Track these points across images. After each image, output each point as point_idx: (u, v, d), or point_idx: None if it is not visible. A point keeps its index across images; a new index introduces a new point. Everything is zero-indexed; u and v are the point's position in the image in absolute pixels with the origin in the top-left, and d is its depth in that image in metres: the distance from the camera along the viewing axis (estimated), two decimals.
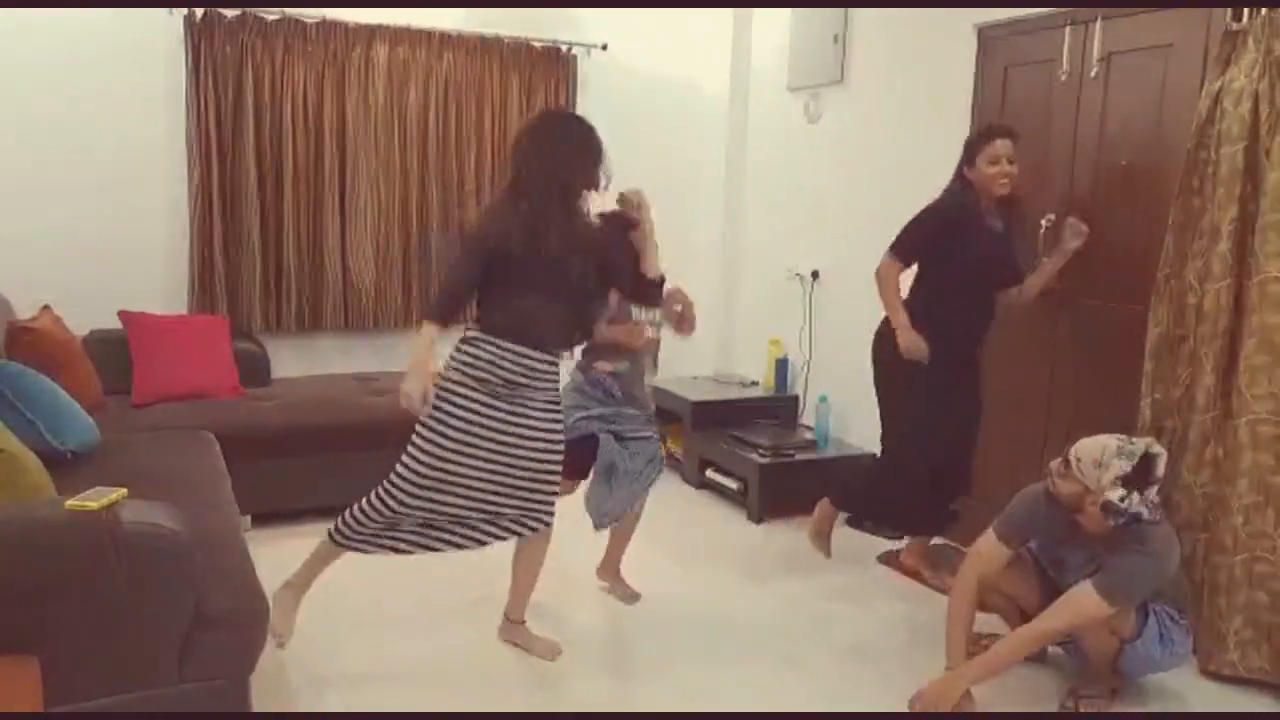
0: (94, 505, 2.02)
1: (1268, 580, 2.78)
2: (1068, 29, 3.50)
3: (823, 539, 3.62)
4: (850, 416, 4.55)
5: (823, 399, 4.55)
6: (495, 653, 2.96)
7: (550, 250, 2.64)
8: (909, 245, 3.33)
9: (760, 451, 4.29)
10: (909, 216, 3.42)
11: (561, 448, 2.81)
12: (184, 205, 4.40)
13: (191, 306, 4.44)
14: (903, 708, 2.67)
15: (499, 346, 2.68)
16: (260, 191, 4.48)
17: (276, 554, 3.10)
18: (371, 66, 4.61)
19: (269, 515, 3.81)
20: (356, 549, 2.77)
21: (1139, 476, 2.45)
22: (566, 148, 2.73)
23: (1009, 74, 3.80)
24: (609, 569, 3.46)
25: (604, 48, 5.07)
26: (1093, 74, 3.43)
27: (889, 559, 3.76)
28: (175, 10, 4.24)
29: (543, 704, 2.69)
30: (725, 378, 5.23)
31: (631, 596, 3.42)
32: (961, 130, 3.95)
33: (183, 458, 3.17)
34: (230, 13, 4.31)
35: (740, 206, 5.35)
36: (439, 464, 2.68)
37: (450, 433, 2.68)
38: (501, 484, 2.73)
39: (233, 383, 4.14)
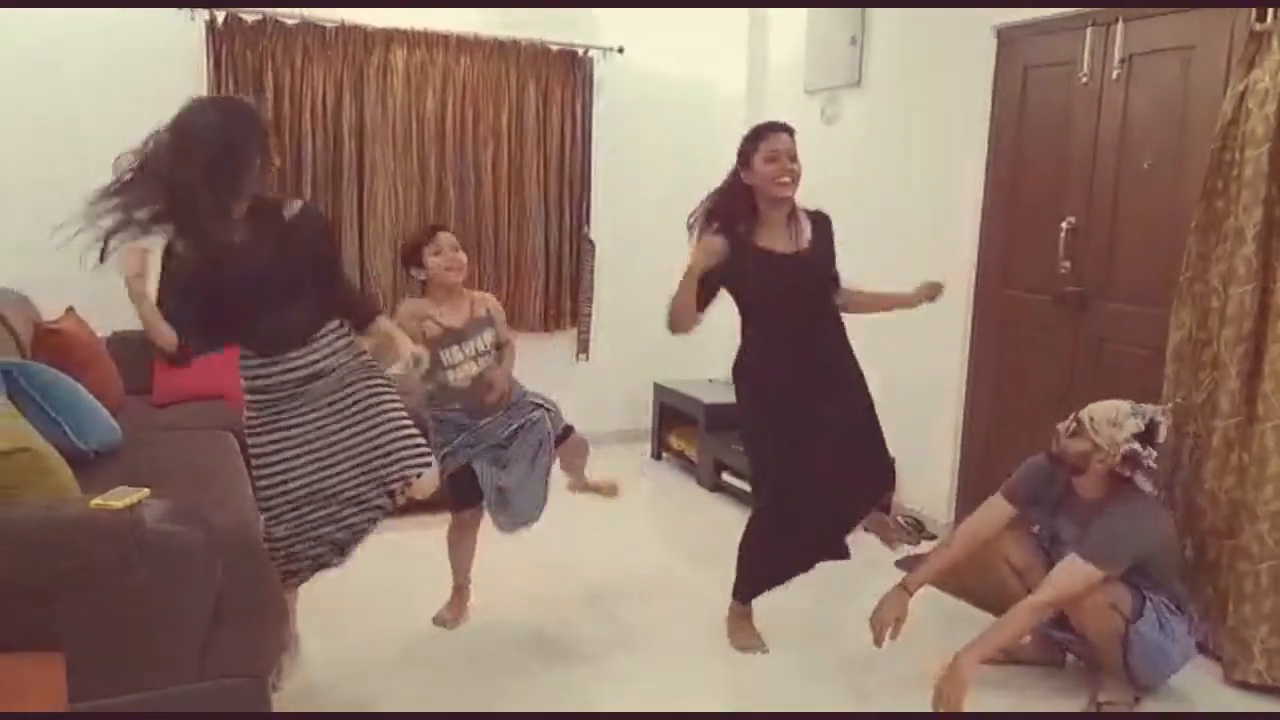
0: (117, 505, 2.03)
1: None
2: (1089, 30, 3.47)
3: (745, 636, 3.10)
4: None
5: None
6: (504, 649, 2.97)
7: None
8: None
9: None
10: (927, 219, 3.39)
11: (395, 399, 2.61)
12: None
13: None
14: (912, 708, 2.65)
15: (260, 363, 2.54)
16: (280, 194, 4.50)
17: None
18: (390, 70, 4.64)
19: None
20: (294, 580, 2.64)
21: (1147, 438, 2.57)
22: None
23: (1028, 75, 3.78)
24: (577, 484, 3.36)
25: (620, 50, 5.08)
26: (1114, 75, 3.41)
27: (906, 564, 3.74)
28: (196, 15, 4.27)
29: (548, 703, 2.69)
30: None
31: (610, 488, 3.39)
32: (980, 133, 3.94)
33: (203, 457, 3.19)
34: (250, 17, 4.34)
35: None
36: (290, 486, 2.54)
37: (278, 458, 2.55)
38: (361, 453, 2.55)
39: None
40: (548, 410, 3.08)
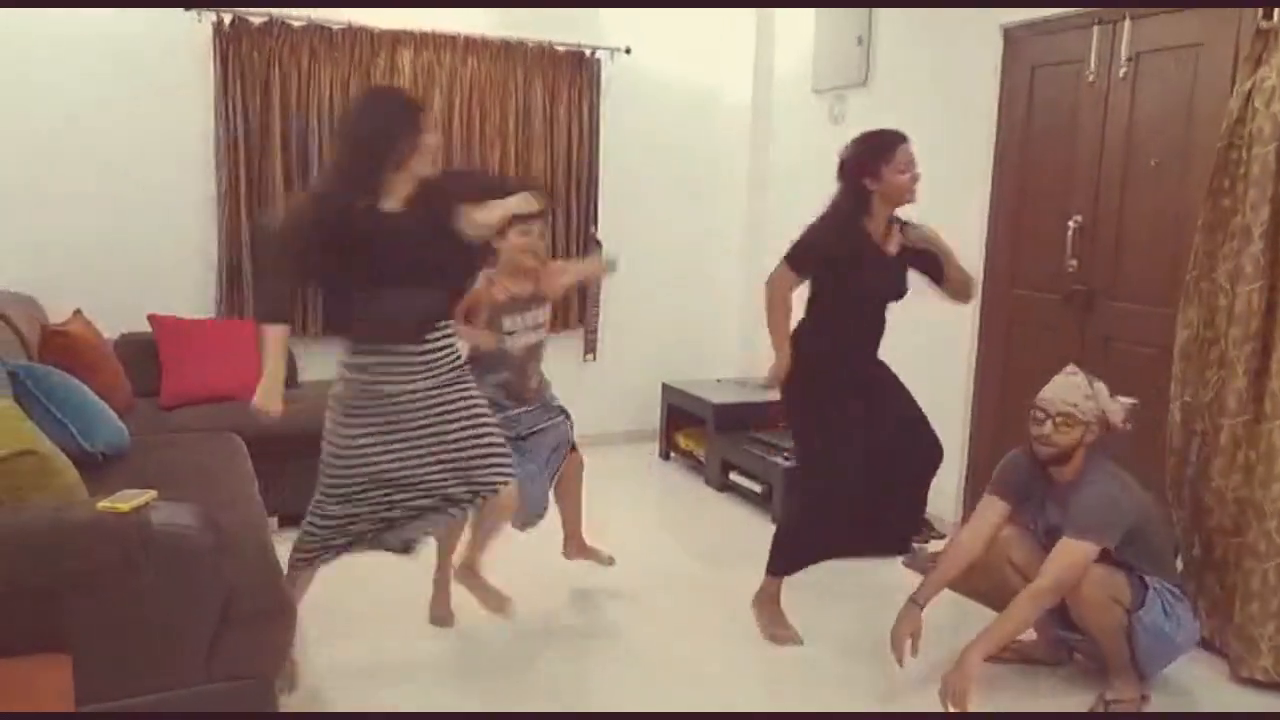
0: (124, 507, 2.04)
1: None
2: (1095, 29, 3.46)
3: (773, 620, 3.17)
4: None
5: None
6: (510, 649, 2.97)
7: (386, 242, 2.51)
8: (808, 258, 3.03)
9: (784, 455, 4.27)
10: (934, 218, 3.39)
11: (485, 411, 2.71)
12: (212, 210, 4.45)
13: (219, 310, 4.49)
14: (919, 706, 2.65)
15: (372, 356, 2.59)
16: (287, 196, 4.52)
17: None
18: (396, 71, 4.64)
19: (295, 517, 3.80)
20: (315, 560, 2.71)
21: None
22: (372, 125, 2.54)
23: (1035, 74, 3.77)
24: (573, 544, 3.46)
25: (627, 51, 5.08)
26: (1121, 74, 3.39)
27: (912, 563, 3.74)
28: (203, 16, 4.29)
29: (555, 702, 2.69)
30: (749, 381, 5.22)
31: (606, 559, 3.44)
32: (987, 132, 3.94)
33: (210, 460, 3.20)
34: (257, 19, 4.35)
35: (763, 208, 5.34)
36: (368, 469, 2.62)
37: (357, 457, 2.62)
38: (449, 452, 2.63)
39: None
40: (567, 417, 3.28)
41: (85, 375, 3.33)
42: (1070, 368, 2.76)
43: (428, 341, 2.61)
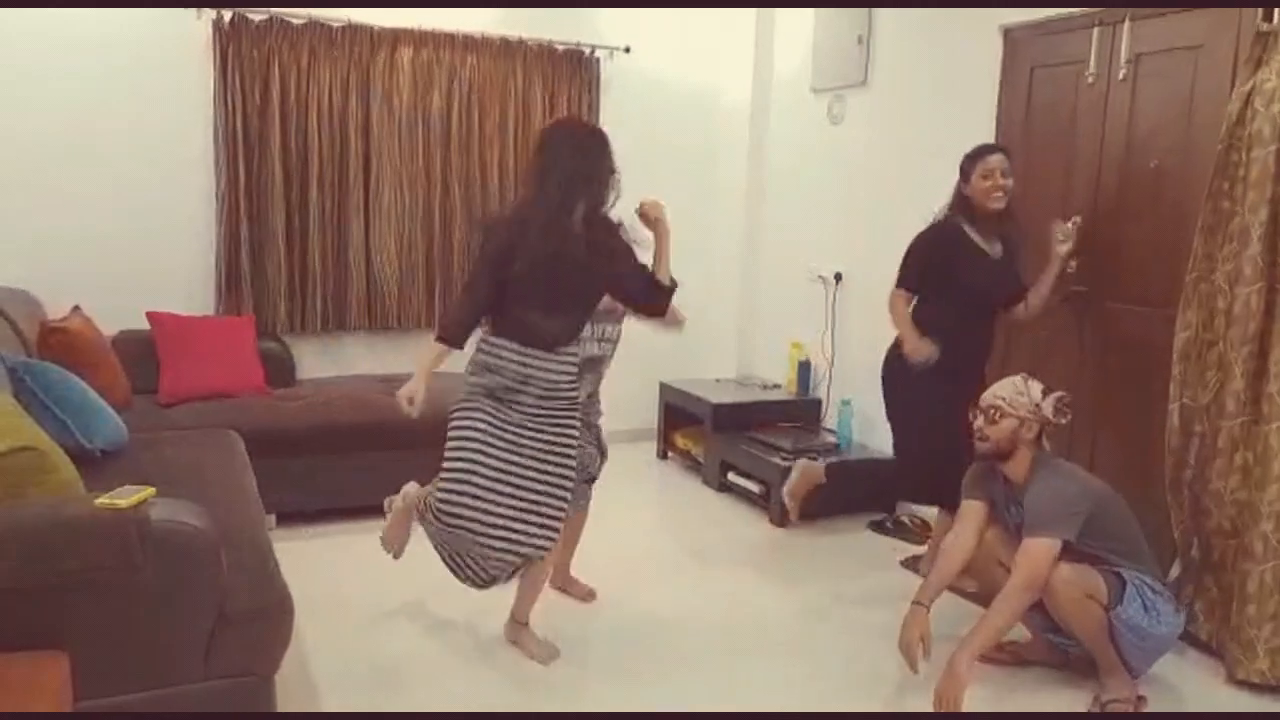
0: (123, 503, 2.04)
1: None
2: (1095, 30, 3.46)
3: (796, 500, 3.74)
4: (874, 420, 4.52)
5: (846, 403, 4.53)
6: (507, 650, 2.97)
7: (566, 263, 2.68)
8: (910, 274, 3.45)
9: (782, 455, 4.28)
10: (933, 218, 3.41)
11: (573, 464, 2.81)
12: (211, 208, 4.44)
13: (218, 307, 4.48)
14: (919, 708, 2.65)
15: (504, 349, 2.74)
16: (286, 194, 4.52)
17: (300, 553, 3.14)
18: (396, 69, 4.64)
19: (293, 514, 3.84)
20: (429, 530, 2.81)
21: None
22: (585, 162, 2.70)
23: (1035, 75, 3.77)
24: (559, 575, 3.39)
25: (627, 50, 5.08)
26: (1120, 75, 3.40)
27: (911, 563, 3.75)
28: (203, 14, 4.29)
29: (552, 703, 2.69)
30: (747, 380, 5.22)
31: (588, 595, 3.40)
32: (987, 132, 3.93)
33: (209, 457, 3.20)
34: (257, 17, 4.35)
35: (763, 208, 5.34)
36: (468, 466, 2.70)
37: (470, 434, 2.71)
38: (514, 494, 2.72)
39: (258, 383, 4.18)
40: (602, 454, 3.28)
41: (84, 372, 3.33)
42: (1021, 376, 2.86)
43: (553, 356, 2.76)
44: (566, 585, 3.41)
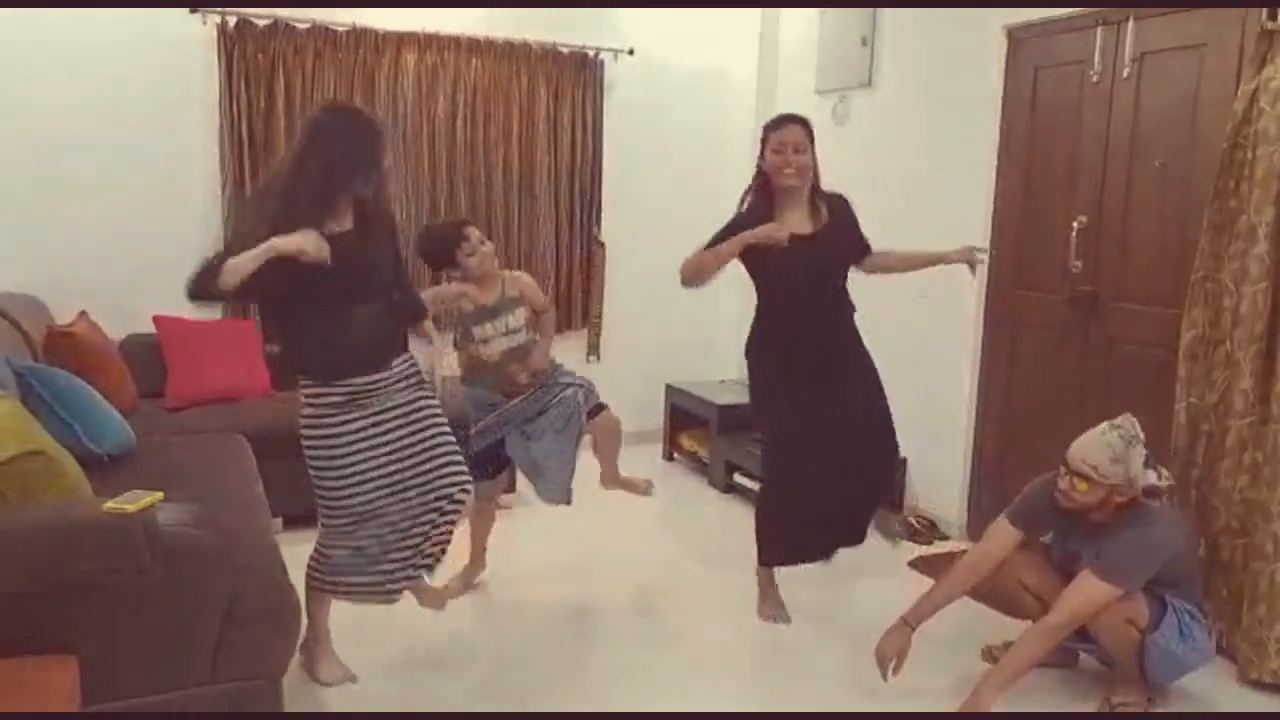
0: (131, 508, 2.05)
1: None
2: (1099, 29, 3.46)
3: (767, 605, 3.28)
4: None
5: None
6: (514, 650, 2.97)
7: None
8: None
9: None
10: (935, 218, 3.40)
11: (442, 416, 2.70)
12: (217, 212, 4.45)
13: (224, 311, 4.49)
14: (924, 709, 2.65)
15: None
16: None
17: (308, 556, 3.13)
18: (401, 72, 4.65)
19: (300, 517, 3.82)
20: (338, 596, 2.71)
21: (1155, 464, 2.55)
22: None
23: (1039, 75, 3.76)
24: (609, 477, 3.47)
25: (631, 52, 5.08)
26: (1125, 74, 3.39)
27: (919, 564, 3.73)
28: (208, 18, 4.30)
29: (557, 702, 2.69)
30: None
31: (647, 486, 3.50)
32: (991, 133, 3.93)
33: (216, 460, 3.21)
34: (262, 21, 4.36)
35: None
36: (353, 493, 2.61)
37: (345, 463, 2.60)
38: (411, 474, 2.63)
39: (264, 386, 4.18)
40: (580, 386, 3.25)
41: (91, 376, 3.34)
42: (1122, 419, 2.58)
43: (394, 363, 2.64)
44: (621, 485, 3.48)
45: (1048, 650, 2.61)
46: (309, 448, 2.60)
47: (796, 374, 3.07)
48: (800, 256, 2.97)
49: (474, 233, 3.16)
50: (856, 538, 3.29)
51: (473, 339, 3.15)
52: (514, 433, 3.19)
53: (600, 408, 3.32)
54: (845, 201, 3.16)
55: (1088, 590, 2.51)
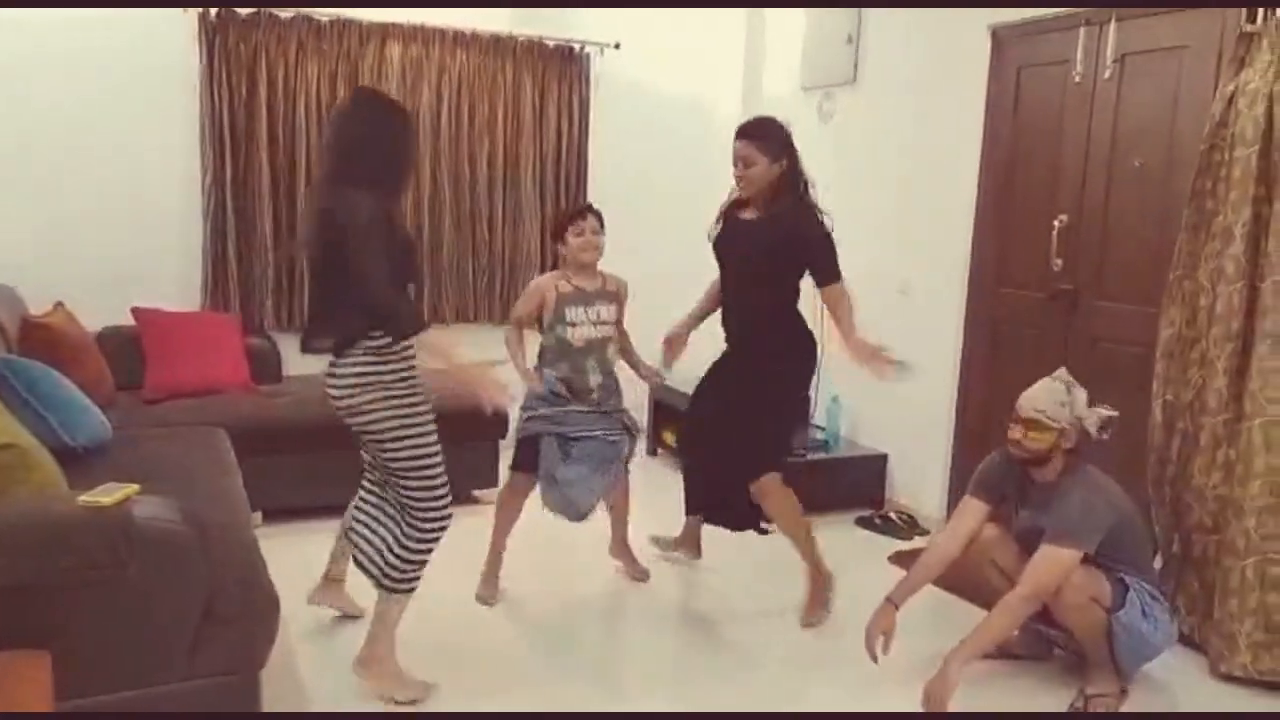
0: (106, 501, 2.03)
1: None
2: (1082, 30, 3.48)
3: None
4: (862, 417, 4.55)
5: (835, 399, 4.54)
6: (500, 642, 2.97)
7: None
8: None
9: None
10: (922, 216, 3.42)
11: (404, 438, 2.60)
12: (197, 203, 4.42)
13: (204, 303, 4.46)
14: (904, 707, 2.67)
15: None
16: (273, 189, 4.50)
17: (287, 550, 3.12)
18: (385, 65, 4.62)
19: (280, 511, 3.82)
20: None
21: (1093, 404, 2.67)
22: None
23: (1022, 75, 3.79)
24: (618, 548, 3.57)
25: (617, 47, 5.07)
26: (1107, 75, 3.41)
27: (899, 559, 3.76)
28: (189, 8, 4.26)
29: (550, 698, 2.69)
30: None
31: (642, 573, 3.51)
32: (974, 131, 3.95)
33: (194, 454, 3.18)
34: (244, 10, 4.32)
35: None
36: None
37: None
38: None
39: (244, 379, 4.16)
40: (631, 435, 3.32)
41: (67, 368, 3.30)
42: (1059, 372, 2.75)
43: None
44: (626, 564, 3.56)
45: (1016, 623, 2.67)
46: (393, 407, 2.53)
47: (720, 356, 3.33)
48: (733, 236, 3.18)
49: (593, 220, 3.24)
50: (723, 520, 3.45)
51: (563, 319, 3.19)
52: (554, 439, 3.15)
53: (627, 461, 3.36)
54: (810, 215, 3.09)
55: (1049, 558, 2.59)
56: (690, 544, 3.68)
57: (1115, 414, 2.68)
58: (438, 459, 2.60)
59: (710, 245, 3.27)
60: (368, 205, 2.43)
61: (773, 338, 3.19)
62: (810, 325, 3.23)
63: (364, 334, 2.51)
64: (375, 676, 2.62)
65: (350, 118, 2.65)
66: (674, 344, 3.35)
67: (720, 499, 3.40)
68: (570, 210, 3.40)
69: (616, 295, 3.32)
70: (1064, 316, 3.62)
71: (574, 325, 3.20)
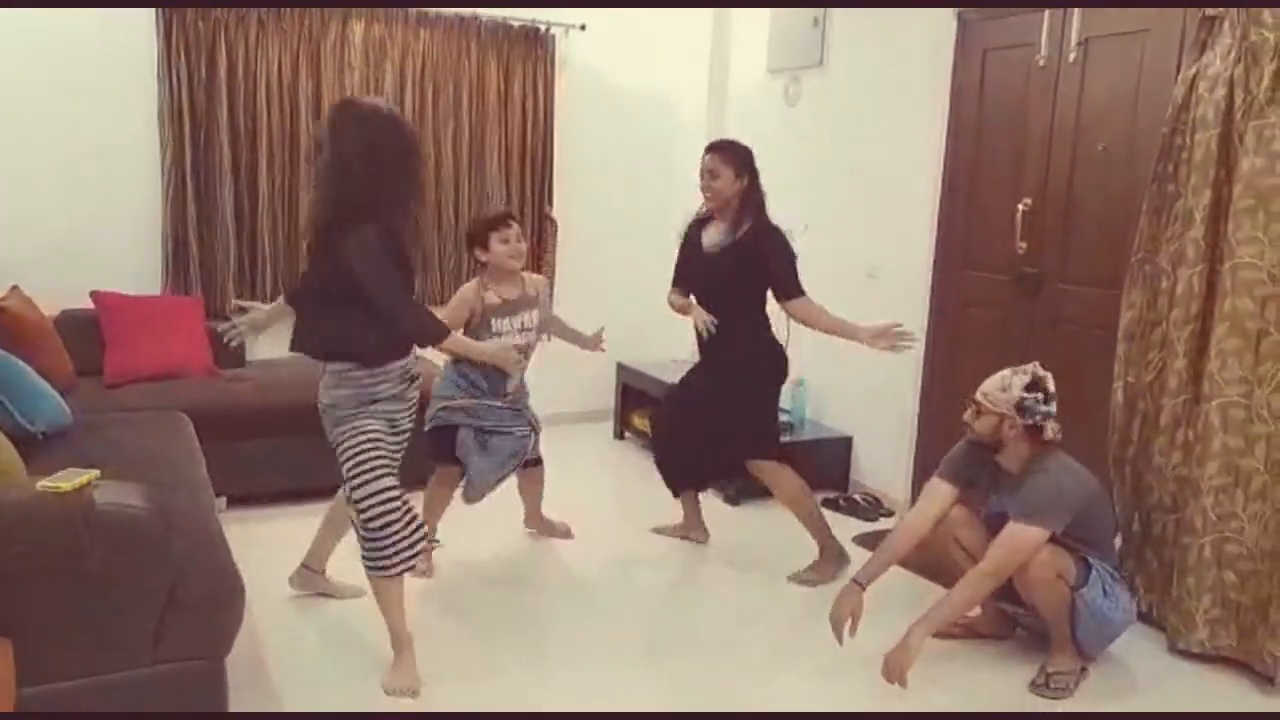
0: (66, 486, 2.00)
1: (1236, 561, 2.83)
2: (1046, 13, 3.50)
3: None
4: (827, 400, 4.57)
5: (801, 383, 4.56)
6: (471, 626, 2.97)
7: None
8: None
9: None
10: (888, 199, 3.45)
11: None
12: (157, 184, 4.34)
13: (165, 287, 4.39)
14: (872, 682, 2.70)
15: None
16: (234, 171, 4.43)
17: (251, 535, 3.09)
18: (347, 44, 4.56)
19: (244, 497, 3.78)
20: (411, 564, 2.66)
21: (1034, 387, 2.70)
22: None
23: (987, 58, 3.81)
24: (533, 519, 3.72)
25: (582, 28, 5.04)
26: (1071, 58, 3.44)
27: (864, 540, 3.79)
28: None
29: (510, 687, 2.69)
30: None
31: (564, 531, 3.71)
32: (941, 114, 3.97)
33: (156, 439, 3.13)
34: None
35: None
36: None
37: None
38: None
39: (207, 363, 4.10)
40: (537, 434, 3.39)
41: (25, 353, 3.24)
42: (1025, 366, 2.77)
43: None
44: (542, 528, 3.72)
45: (979, 598, 2.72)
46: (346, 412, 2.60)
47: (693, 363, 3.57)
48: (699, 266, 3.39)
49: (516, 228, 3.25)
50: (711, 474, 3.86)
51: (491, 330, 3.23)
52: (471, 431, 3.21)
53: (537, 461, 3.53)
54: (769, 235, 3.30)
55: (1015, 536, 2.63)
56: (695, 526, 3.78)
57: (1044, 390, 2.70)
58: (372, 455, 2.59)
59: (674, 262, 3.48)
60: (371, 240, 2.44)
61: (745, 353, 3.36)
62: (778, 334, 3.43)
63: (365, 347, 2.56)
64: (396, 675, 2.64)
65: (337, 137, 2.50)
66: (692, 308, 3.43)
67: (700, 466, 3.67)
68: (490, 216, 3.32)
69: (537, 299, 3.36)
70: (1029, 299, 3.66)
71: (500, 335, 3.25)
